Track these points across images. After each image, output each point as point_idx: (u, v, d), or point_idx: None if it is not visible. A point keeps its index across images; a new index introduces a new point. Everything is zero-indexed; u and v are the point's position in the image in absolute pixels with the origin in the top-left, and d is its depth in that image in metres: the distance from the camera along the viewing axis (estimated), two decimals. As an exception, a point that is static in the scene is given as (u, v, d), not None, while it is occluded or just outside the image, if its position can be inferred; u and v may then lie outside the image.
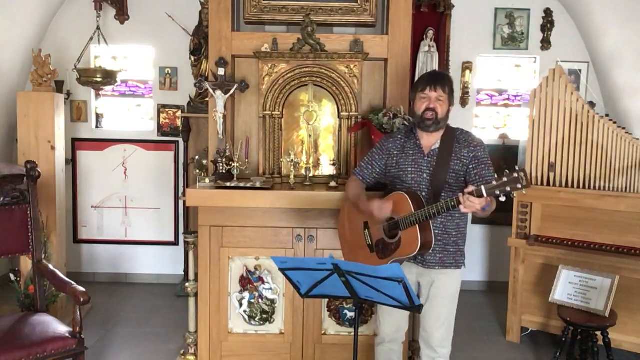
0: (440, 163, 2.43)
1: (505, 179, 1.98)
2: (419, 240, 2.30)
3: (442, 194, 2.41)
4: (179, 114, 4.98)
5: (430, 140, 2.50)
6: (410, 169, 2.49)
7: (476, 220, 4.95)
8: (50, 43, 4.88)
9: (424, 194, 2.43)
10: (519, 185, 1.95)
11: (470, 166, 2.42)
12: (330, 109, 3.49)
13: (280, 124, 3.45)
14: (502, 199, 2.03)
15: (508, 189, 1.98)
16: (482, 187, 2.04)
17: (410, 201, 2.32)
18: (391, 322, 2.64)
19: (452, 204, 2.17)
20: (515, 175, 1.96)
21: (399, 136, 2.61)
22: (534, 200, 3.78)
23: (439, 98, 2.43)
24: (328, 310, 3.22)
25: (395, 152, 2.56)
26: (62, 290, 2.79)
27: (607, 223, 3.53)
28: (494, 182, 2.01)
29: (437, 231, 2.42)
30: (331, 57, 3.33)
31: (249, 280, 3.18)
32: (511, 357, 3.74)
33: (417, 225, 2.30)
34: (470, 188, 2.07)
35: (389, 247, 2.42)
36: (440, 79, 2.48)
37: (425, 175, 2.46)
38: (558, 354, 3.32)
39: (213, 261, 3.16)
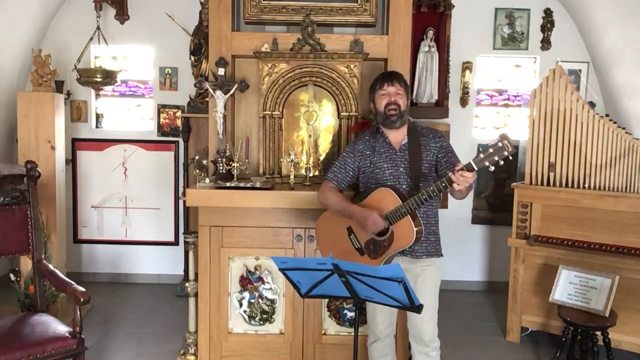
0: (413, 156, 2.55)
1: (491, 150, 2.07)
2: (414, 230, 2.35)
3: (420, 185, 2.50)
4: (179, 114, 4.99)
5: (398, 137, 2.61)
6: (386, 165, 2.57)
7: (476, 220, 4.93)
8: (50, 43, 4.89)
9: (404, 186, 2.51)
10: (505, 152, 2.05)
11: (439, 155, 2.57)
12: (330, 109, 3.49)
13: (280, 124, 3.45)
14: (492, 168, 2.12)
15: (496, 158, 2.06)
16: (472, 161, 2.13)
17: (396, 194, 2.39)
18: (383, 319, 2.67)
19: (444, 184, 2.23)
20: (500, 144, 2.05)
21: (366, 137, 2.71)
22: (534, 200, 3.78)
23: (397, 92, 2.57)
24: (328, 310, 3.22)
25: (368, 153, 2.64)
26: (62, 290, 2.79)
27: (607, 223, 3.53)
28: (481, 155, 2.10)
29: (422, 220, 2.48)
30: (331, 57, 3.33)
31: (249, 280, 3.18)
32: (511, 357, 3.74)
33: (408, 215, 2.35)
34: (460, 165, 2.17)
35: (381, 244, 2.44)
36: (394, 74, 2.66)
37: (402, 169, 2.55)
38: (558, 354, 3.32)
39: (213, 261, 3.16)
